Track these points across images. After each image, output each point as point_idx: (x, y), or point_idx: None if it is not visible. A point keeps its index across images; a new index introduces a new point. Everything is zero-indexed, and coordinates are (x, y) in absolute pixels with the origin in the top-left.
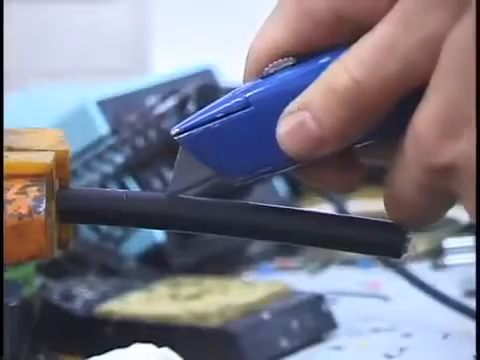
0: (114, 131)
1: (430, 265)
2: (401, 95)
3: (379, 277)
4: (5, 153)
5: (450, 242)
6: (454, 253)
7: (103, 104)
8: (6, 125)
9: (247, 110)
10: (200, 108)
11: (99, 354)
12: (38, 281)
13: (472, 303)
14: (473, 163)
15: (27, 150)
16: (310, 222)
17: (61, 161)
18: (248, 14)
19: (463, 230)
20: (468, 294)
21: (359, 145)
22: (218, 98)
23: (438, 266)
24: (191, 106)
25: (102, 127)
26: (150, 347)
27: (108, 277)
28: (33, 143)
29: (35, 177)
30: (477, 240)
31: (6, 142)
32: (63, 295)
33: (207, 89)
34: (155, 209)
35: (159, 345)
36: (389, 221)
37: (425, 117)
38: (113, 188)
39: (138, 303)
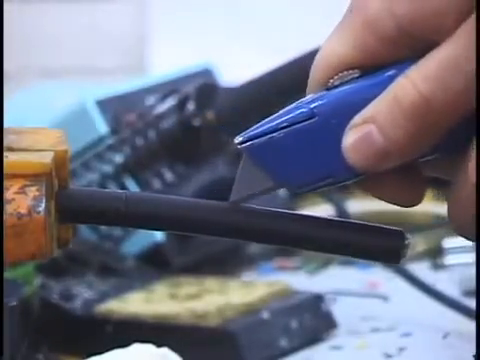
0: (113, 131)
1: (429, 265)
2: (466, 112)
3: (378, 277)
4: (4, 153)
5: (450, 242)
6: (454, 253)
7: (102, 104)
8: (6, 125)
9: (311, 121)
10: (199, 108)
11: (99, 354)
12: (38, 281)
13: (472, 303)
14: None
15: (26, 150)
16: (308, 227)
17: (60, 161)
18: (248, 14)
19: None
20: (467, 294)
21: (423, 159)
22: (217, 98)
23: (437, 266)
24: (191, 106)
25: (101, 127)
26: (150, 347)
27: (108, 277)
28: (33, 143)
29: (34, 177)
30: (477, 240)
31: (6, 142)
32: (63, 295)
33: (206, 89)
34: (156, 210)
35: (159, 345)
36: (387, 226)
37: None
38: (112, 188)
39: (138, 303)
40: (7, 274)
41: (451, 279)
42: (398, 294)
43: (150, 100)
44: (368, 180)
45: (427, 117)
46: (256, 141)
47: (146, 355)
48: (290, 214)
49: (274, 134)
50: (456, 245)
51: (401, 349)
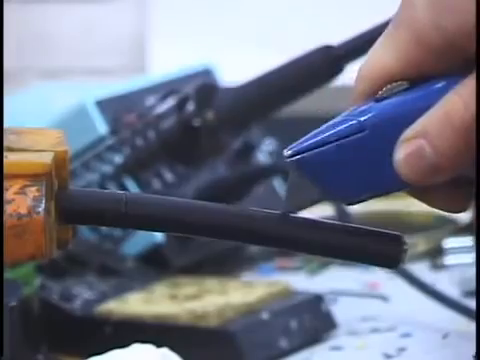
0: (113, 131)
1: (429, 265)
2: None
3: (378, 277)
4: (4, 153)
5: (449, 242)
6: (453, 253)
7: (102, 104)
8: (6, 125)
9: (361, 134)
10: (199, 108)
11: (98, 354)
12: (37, 281)
13: (471, 303)
14: None
15: (26, 150)
16: (306, 230)
17: (60, 161)
18: (248, 14)
19: (462, 230)
20: (467, 294)
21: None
22: (217, 98)
23: (437, 266)
24: (190, 106)
25: (101, 127)
26: (149, 347)
27: (107, 277)
28: (32, 143)
29: (34, 177)
30: (477, 240)
31: (6, 142)
32: (62, 295)
33: (206, 89)
34: (155, 211)
35: (158, 345)
36: (386, 231)
37: None
38: (112, 188)
39: (137, 303)
40: (7, 274)
41: (451, 279)
42: (398, 294)
43: (150, 100)
44: (418, 190)
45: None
46: (305, 155)
47: (146, 355)
48: (291, 218)
49: (323, 148)
50: (456, 245)
51: (401, 349)
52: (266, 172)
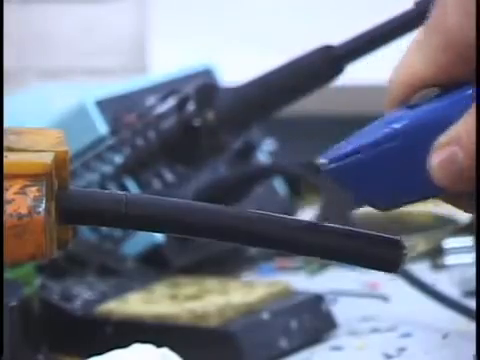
0: (113, 131)
1: (429, 265)
2: None
3: (378, 277)
4: (4, 153)
5: (449, 242)
6: (453, 253)
7: (102, 104)
8: (6, 125)
9: (395, 142)
10: (199, 108)
11: (99, 354)
12: (38, 281)
13: (471, 303)
14: None
15: (26, 150)
16: (306, 233)
17: (61, 161)
18: (248, 14)
19: (462, 230)
20: (467, 294)
21: None
22: (217, 98)
23: (437, 266)
24: (191, 106)
25: (101, 127)
26: (150, 347)
27: (108, 277)
28: (33, 143)
29: (34, 177)
30: (477, 240)
31: (6, 142)
32: (63, 295)
33: (207, 89)
34: (156, 212)
35: (159, 345)
36: (386, 235)
37: None
38: (112, 188)
39: (138, 303)
40: (7, 274)
41: (451, 279)
42: (398, 294)
43: (150, 100)
44: (450, 195)
45: None
46: (340, 163)
47: (146, 355)
48: (291, 220)
49: (358, 155)
50: (456, 245)
51: (401, 349)
52: (266, 172)
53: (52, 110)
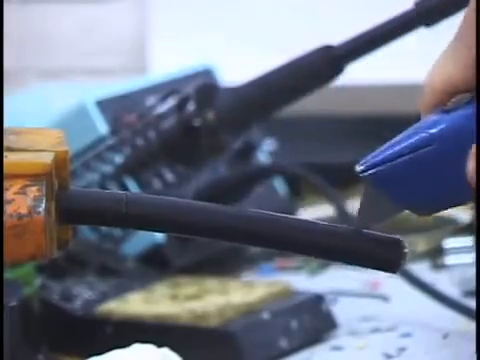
0: (114, 131)
1: (430, 265)
2: None
3: (379, 277)
4: (4, 153)
5: (450, 242)
6: (454, 253)
7: (103, 104)
8: (6, 125)
9: (432, 147)
10: (199, 108)
11: (99, 354)
12: (38, 281)
13: (472, 303)
14: None
15: (26, 150)
16: (306, 232)
17: (61, 161)
18: (248, 14)
19: (463, 230)
20: (468, 294)
21: None
22: (217, 98)
23: (438, 266)
24: (191, 106)
25: (102, 127)
26: (150, 347)
27: (108, 277)
28: (32, 143)
29: (35, 177)
30: (477, 240)
31: (6, 142)
32: (63, 295)
33: (207, 89)
34: (156, 211)
35: (159, 345)
36: (386, 235)
37: None
38: (113, 188)
39: (138, 303)
40: (7, 274)
41: (451, 279)
42: (398, 294)
43: (150, 100)
44: None
45: None
46: (378, 169)
47: (146, 355)
48: (292, 219)
49: (396, 161)
50: (456, 245)
51: (401, 349)
52: (266, 172)
53: (52, 110)
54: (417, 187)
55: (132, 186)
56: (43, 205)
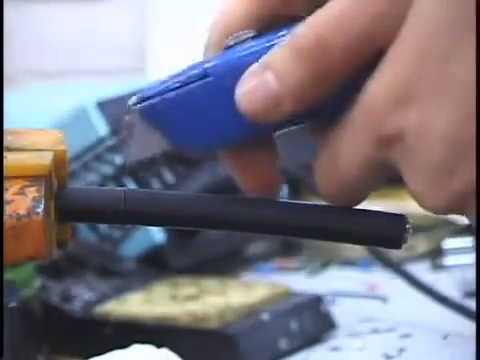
0: (114, 132)
1: (429, 266)
2: (364, 59)
3: (378, 278)
4: (4, 153)
5: (449, 243)
6: (453, 254)
7: (103, 105)
8: (6, 125)
9: (205, 80)
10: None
11: (98, 355)
12: (37, 282)
13: (471, 304)
14: (421, 138)
15: (25, 150)
16: (308, 214)
17: (60, 161)
18: None
19: (462, 231)
20: (467, 295)
21: (290, 128)
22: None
23: (437, 267)
24: None
25: (102, 128)
26: (149, 348)
27: (107, 278)
28: (31, 143)
29: (34, 178)
30: (477, 241)
31: (5, 142)
32: (62, 296)
33: None
34: (155, 206)
35: (158, 346)
36: (387, 211)
37: (378, 86)
38: None
39: (137, 304)
40: (7, 275)
41: (451, 280)
42: (398, 295)
43: None
44: (228, 149)
45: (324, 61)
46: (149, 102)
47: (146, 356)
48: (290, 203)
49: (167, 94)
50: (456, 246)
51: (401, 350)
52: None
53: (52, 111)
54: (190, 122)
55: (132, 187)
56: (42, 206)
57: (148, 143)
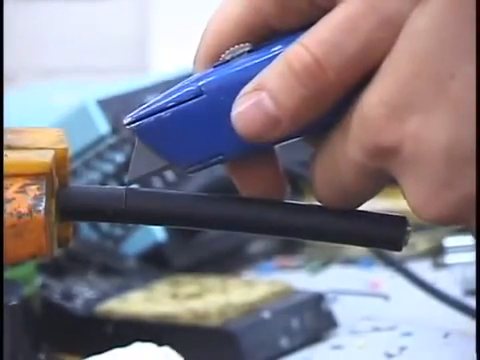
0: (114, 130)
1: (430, 264)
2: (359, 76)
3: (379, 276)
4: (4, 152)
5: (450, 241)
6: (454, 252)
7: (103, 103)
8: (6, 124)
9: (199, 98)
10: None
11: (99, 353)
12: (38, 280)
13: (472, 302)
14: (419, 150)
15: (26, 149)
16: (309, 216)
17: (61, 159)
18: None
19: (463, 229)
20: (468, 293)
21: (289, 141)
22: None
23: (438, 265)
24: None
25: (102, 126)
26: (150, 346)
27: (108, 276)
28: (32, 142)
29: (35, 176)
30: (477, 239)
31: (5, 141)
32: (63, 294)
33: None
34: (156, 205)
35: (159, 344)
36: (388, 213)
37: (374, 97)
38: None
39: (138, 302)
40: (8, 274)
41: (452, 278)
42: (399, 293)
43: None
44: (232, 163)
45: (320, 81)
46: (144, 121)
47: (147, 354)
48: (290, 204)
49: (162, 113)
50: (457, 244)
51: (402, 348)
52: None
53: (52, 109)
54: (183, 141)
55: (132, 185)
56: (43, 204)
57: (145, 161)
